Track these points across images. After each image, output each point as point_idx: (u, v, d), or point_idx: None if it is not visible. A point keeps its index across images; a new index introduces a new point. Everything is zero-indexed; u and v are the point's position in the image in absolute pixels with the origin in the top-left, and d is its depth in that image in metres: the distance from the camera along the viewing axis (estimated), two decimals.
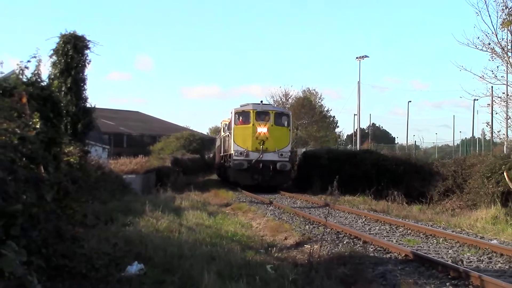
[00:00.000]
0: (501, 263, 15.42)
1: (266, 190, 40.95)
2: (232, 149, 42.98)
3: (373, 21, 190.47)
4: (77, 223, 10.60)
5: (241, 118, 43.78)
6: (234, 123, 43.54)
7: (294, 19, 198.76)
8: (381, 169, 39.31)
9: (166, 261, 11.56)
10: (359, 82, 65.17)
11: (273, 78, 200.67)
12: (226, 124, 52.15)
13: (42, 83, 15.18)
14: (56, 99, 15.61)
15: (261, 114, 43.42)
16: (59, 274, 8.30)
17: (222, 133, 55.13)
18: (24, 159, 7.88)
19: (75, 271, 8.79)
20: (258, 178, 41.83)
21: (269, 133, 42.29)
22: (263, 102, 46.40)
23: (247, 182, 42.20)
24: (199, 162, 71.68)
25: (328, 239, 17.52)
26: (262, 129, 42.17)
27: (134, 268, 10.58)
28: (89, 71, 28.24)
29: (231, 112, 45.08)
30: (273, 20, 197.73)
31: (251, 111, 43.27)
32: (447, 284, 12.64)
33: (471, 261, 15.62)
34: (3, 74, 14.19)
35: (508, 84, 28.56)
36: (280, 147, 42.30)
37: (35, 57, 14.85)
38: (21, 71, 13.89)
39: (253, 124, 42.57)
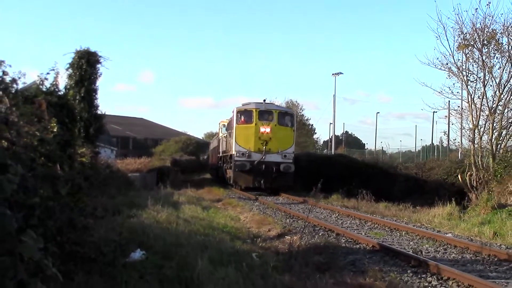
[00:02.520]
0: (454, 254, 15.53)
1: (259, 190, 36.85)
2: (233, 149, 37.20)
3: (346, 43, 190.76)
4: (88, 215, 10.53)
5: (243, 117, 37.91)
6: (236, 123, 37.55)
7: (278, 42, 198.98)
8: (352, 171, 39.41)
9: (165, 248, 11.53)
10: (334, 96, 65.28)
11: (260, 90, 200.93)
12: (224, 124, 48.05)
13: (59, 93, 15.22)
14: (71, 107, 15.63)
15: (264, 113, 37.59)
16: (71, 259, 8.27)
17: (220, 134, 49.62)
18: (42, 158, 7.86)
19: (86, 256, 8.77)
20: (260, 180, 36.12)
21: (273, 133, 36.65)
22: (266, 101, 39.46)
23: (248, 184, 37.07)
24: (195, 163, 71.54)
25: (306, 231, 17.55)
26: (265, 129, 36.59)
27: (137, 254, 10.56)
28: (99, 82, 28.33)
29: (233, 111, 38.92)
30: (260, 40, 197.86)
31: (254, 110, 37.40)
32: (408, 271, 12.68)
33: (429, 252, 15.71)
34: (25, 84, 14.16)
35: (463, 99, 28.65)
36: (284, 148, 36.81)
37: (53, 69, 14.89)
38: (41, 82, 13.91)
39: (255, 124, 36.89)
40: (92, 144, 26.93)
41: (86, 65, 28.20)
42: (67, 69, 28.09)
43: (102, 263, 9.05)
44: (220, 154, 46.93)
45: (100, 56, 28.96)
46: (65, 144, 9.89)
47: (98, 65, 29.03)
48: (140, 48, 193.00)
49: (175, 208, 21.47)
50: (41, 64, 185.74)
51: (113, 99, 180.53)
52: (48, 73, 14.17)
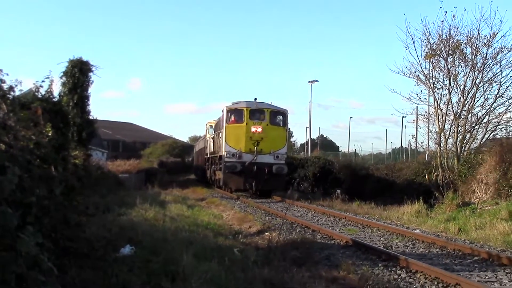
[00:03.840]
0: (422, 248, 15.67)
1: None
2: (223, 150, 33.72)
3: (318, 52, 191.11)
4: (81, 213, 10.59)
5: (233, 116, 34.45)
6: (226, 122, 34.10)
7: (258, 51, 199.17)
8: (327, 172, 39.41)
9: (153, 244, 11.53)
10: (310, 102, 65.37)
11: (240, 96, 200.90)
12: (212, 125, 44.46)
13: (53, 99, 15.17)
14: (65, 112, 15.60)
15: (256, 112, 33.97)
16: (66, 254, 8.29)
17: (208, 135, 45.95)
18: (38, 160, 7.86)
19: (79, 251, 8.81)
20: (251, 182, 32.89)
21: (264, 133, 33.17)
22: (257, 100, 34.76)
23: (239, 187, 34.05)
24: (180, 165, 71.64)
25: (284, 228, 17.62)
26: (257, 129, 33.08)
27: (127, 249, 10.56)
28: (91, 89, 28.45)
29: (223, 110, 35.27)
30: (240, 49, 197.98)
31: (245, 109, 33.84)
32: (379, 265, 12.79)
33: (398, 247, 15.83)
34: (22, 92, 14.14)
35: (430, 105, 28.86)
36: (276, 149, 33.34)
37: (48, 78, 14.85)
38: (37, 89, 13.89)
39: (246, 123, 33.36)
40: (84, 147, 26.95)
41: (79, 74, 28.19)
42: (61, 77, 28.04)
43: (93, 257, 9.08)
44: (208, 156, 43.57)
45: (92, 65, 29.00)
46: (59, 147, 9.89)
47: (90, 74, 29.06)
48: (129, 57, 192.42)
49: (162, 206, 21.45)
50: (36, 73, 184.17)
51: (103, 105, 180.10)
52: (43, 81, 14.18)
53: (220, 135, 35.29)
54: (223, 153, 33.51)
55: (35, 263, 5.26)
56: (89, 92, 29.29)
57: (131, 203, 20.73)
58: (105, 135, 69.05)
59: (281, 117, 35.18)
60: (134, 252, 10.53)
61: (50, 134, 9.64)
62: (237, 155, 32.91)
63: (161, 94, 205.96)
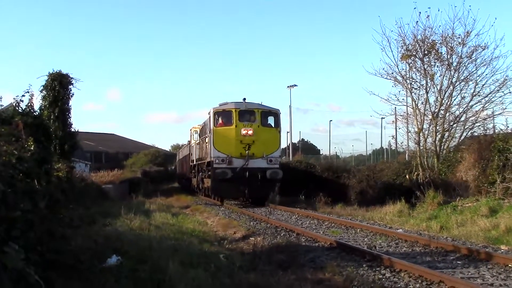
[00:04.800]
0: (405, 248, 15.75)
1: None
2: (211, 155, 31.34)
3: (296, 56, 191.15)
4: (65, 225, 10.52)
5: (221, 118, 32.14)
6: (214, 125, 31.68)
7: (236, 58, 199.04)
8: (309, 175, 39.37)
9: (139, 253, 11.51)
10: (290, 106, 65.08)
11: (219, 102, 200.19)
12: (196, 131, 42.22)
13: (34, 113, 15.11)
14: (46, 126, 15.56)
15: (245, 113, 31.71)
16: (52, 267, 8.25)
17: (193, 141, 43.53)
18: (21, 175, 7.84)
19: (65, 263, 8.77)
20: (244, 189, 30.78)
21: (256, 136, 30.89)
22: (246, 100, 32.55)
23: (230, 195, 32.90)
24: (163, 173, 71.69)
25: (269, 232, 17.66)
26: (247, 131, 30.79)
27: (113, 259, 10.54)
28: (72, 102, 28.57)
29: (209, 113, 32.65)
30: (219, 55, 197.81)
31: (233, 110, 31.50)
32: (364, 265, 12.85)
33: (382, 247, 15.90)
34: (2, 107, 14.11)
35: (408, 105, 28.98)
36: (269, 152, 31.10)
37: (28, 92, 14.79)
38: (17, 104, 13.88)
39: (236, 126, 31.00)
40: (67, 160, 26.97)
41: (59, 87, 28.31)
42: (41, 91, 28.10)
43: (80, 269, 9.04)
44: (194, 163, 41.02)
45: (71, 78, 29.06)
46: (42, 161, 9.83)
47: (70, 86, 29.10)
48: (104, 67, 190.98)
49: (146, 215, 21.44)
50: (13, 87, 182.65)
51: (84, 117, 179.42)
52: (23, 95, 14.15)
53: (207, 140, 33.00)
54: (212, 159, 31.17)
55: (21, 277, 5.25)
56: (70, 104, 29.44)
57: (116, 213, 20.71)
58: (87, 147, 68.79)
59: (273, 118, 33.02)
60: (121, 262, 10.49)
61: (32, 148, 9.60)
62: (227, 161, 30.70)
63: (141, 103, 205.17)
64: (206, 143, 33.41)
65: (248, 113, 31.70)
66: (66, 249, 9.24)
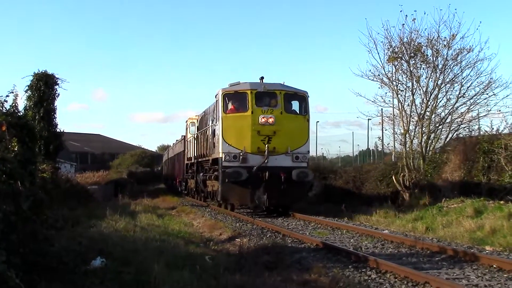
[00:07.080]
0: (391, 248, 15.74)
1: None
2: (220, 150, 24.28)
3: (284, 56, 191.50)
4: (49, 227, 10.42)
5: (232, 103, 24.85)
6: (223, 111, 24.41)
7: (222, 58, 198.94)
8: None
9: (124, 255, 11.43)
10: None
11: (206, 104, 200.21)
12: (193, 122, 34.66)
13: (19, 114, 14.93)
14: (31, 127, 15.30)
15: (264, 96, 24.49)
16: (34, 269, 8.17)
17: (189, 134, 35.86)
18: (4, 176, 7.75)
19: (48, 266, 8.68)
20: (262, 195, 23.71)
21: (278, 125, 23.87)
22: (264, 79, 25.36)
23: (244, 202, 25.54)
24: (149, 174, 71.73)
25: (255, 233, 17.61)
26: (267, 119, 23.68)
27: (98, 261, 10.45)
28: (57, 102, 28.45)
29: (216, 95, 25.49)
30: (204, 54, 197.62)
31: (249, 91, 24.18)
32: (350, 266, 12.82)
33: (368, 248, 15.87)
34: None
35: (394, 107, 28.98)
36: (295, 147, 24.22)
37: (12, 92, 14.64)
38: (1, 104, 13.71)
39: (252, 112, 23.79)
40: (52, 161, 26.86)
41: (44, 87, 28.10)
42: (26, 91, 27.86)
43: (63, 271, 8.95)
44: (192, 161, 34.37)
45: (57, 78, 28.88)
46: (26, 162, 9.73)
47: (56, 86, 28.92)
48: (93, 70, 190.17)
49: (132, 217, 21.35)
50: None
51: (69, 117, 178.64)
52: (7, 96, 14.00)
53: (212, 132, 26.51)
54: (220, 155, 24.26)
55: (2, 281, 5.15)
56: (55, 105, 29.20)
57: (101, 214, 20.59)
58: (73, 148, 68.57)
59: (298, 102, 25.84)
60: (105, 264, 10.41)
61: (16, 149, 9.51)
62: (240, 158, 23.83)
63: (126, 103, 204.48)
64: (211, 135, 26.89)
65: (268, 95, 24.72)
66: (49, 251, 9.15)
